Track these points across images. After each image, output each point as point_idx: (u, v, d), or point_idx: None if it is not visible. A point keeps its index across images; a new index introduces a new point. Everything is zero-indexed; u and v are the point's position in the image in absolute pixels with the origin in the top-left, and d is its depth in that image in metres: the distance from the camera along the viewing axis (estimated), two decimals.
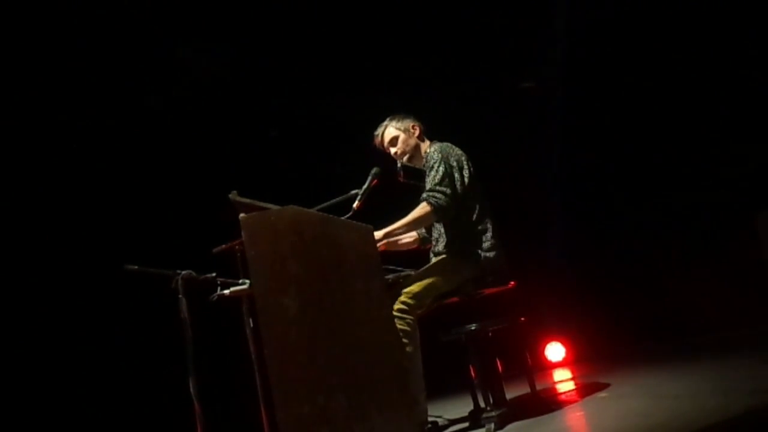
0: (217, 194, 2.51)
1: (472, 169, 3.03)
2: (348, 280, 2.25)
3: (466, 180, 2.98)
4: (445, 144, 3.09)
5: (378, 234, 2.85)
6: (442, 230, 3.07)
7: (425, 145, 3.19)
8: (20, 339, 4.35)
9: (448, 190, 2.90)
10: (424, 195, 2.92)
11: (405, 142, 3.17)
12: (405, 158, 3.16)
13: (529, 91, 5.55)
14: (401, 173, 3.14)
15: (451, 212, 2.93)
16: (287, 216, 2.14)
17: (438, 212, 2.90)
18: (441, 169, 2.93)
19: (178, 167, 4.98)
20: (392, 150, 3.19)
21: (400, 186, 3.16)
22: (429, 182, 2.95)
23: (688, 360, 3.60)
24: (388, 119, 3.23)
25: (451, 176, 2.94)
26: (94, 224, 4.70)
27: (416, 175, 3.17)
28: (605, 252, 5.12)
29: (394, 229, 2.91)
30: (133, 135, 4.94)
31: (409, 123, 3.19)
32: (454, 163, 2.99)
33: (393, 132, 3.19)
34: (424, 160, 3.09)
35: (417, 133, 3.19)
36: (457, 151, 3.07)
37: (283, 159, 5.44)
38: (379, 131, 3.23)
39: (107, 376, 4.51)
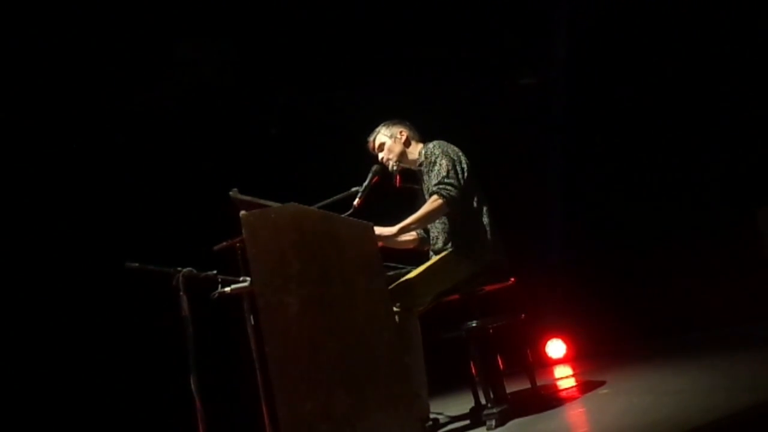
0: (217, 192, 2.51)
1: (469, 165, 3.05)
2: (349, 277, 2.25)
3: (466, 174, 3.00)
4: (441, 141, 3.12)
5: (393, 229, 2.88)
6: (440, 228, 3.08)
7: (416, 148, 3.21)
8: (21, 337, 4.36)
9: (456, 182, 2.92)
10: (434, 188, 2.92)
11: (389, 149, 3.21)
12: (391, 164, 3.20)
13: (529, 86, 5.55)
14: (398, 178, 3.20)
15: (460, 203, 2.94)
16: (288, 213, 2.14)
17: (450, 204, 2.90)
18: (444, 162, 2.96)
19: (178, 165, 4.98)
20: (380, 156, 3.24)
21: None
22: (434, 177, 2.96)
23: (689, 356, 3.60)
24: (381, 125, 3.27)
25: (455, 168, 2.97)
26: (95, 222, 4.71)
27: (412, 178, 3.20)
28: (606, 248, 5.11)
29: (408, 224, 2.92)
30: (134, 133, 4.94)
31: (397, 129, 3.23)
32: (455, 157, 3.02)
33: (380, 138, 3.25)
34: (420, 160, 3.12)
35: (403, 139, 3.22)
36: (454, 147, 3.10)
37: (284, 156, 5.43)
38: (371, 137, 3.28)
39: (108, 374, 4.52)
